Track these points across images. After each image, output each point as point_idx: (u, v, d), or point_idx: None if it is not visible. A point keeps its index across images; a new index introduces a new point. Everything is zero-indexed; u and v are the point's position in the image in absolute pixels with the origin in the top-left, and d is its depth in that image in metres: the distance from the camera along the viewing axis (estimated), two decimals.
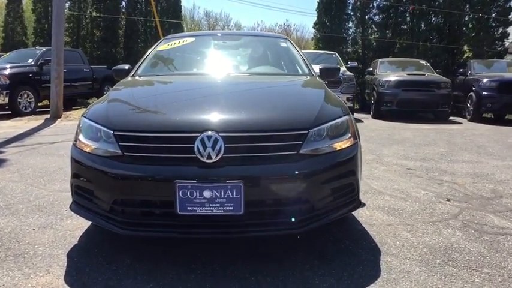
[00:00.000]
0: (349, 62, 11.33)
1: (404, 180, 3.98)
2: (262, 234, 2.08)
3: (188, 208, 2.00)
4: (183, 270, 2.13)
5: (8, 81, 8.98)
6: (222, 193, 1.98)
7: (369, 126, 8.30)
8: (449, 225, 2.78)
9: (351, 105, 9.03)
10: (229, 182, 1.97)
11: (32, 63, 9.88)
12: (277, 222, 2.08)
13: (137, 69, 3.39)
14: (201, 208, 2.00)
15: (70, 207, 2.34)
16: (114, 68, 3.58)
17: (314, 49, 14.32)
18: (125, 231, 2.06)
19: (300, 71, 3.42)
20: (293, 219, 2.08)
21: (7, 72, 9.12)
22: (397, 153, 5.39)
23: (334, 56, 10.48)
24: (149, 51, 3.69)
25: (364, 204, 2.62)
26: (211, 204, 1.99)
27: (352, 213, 2.91)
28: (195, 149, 2.01)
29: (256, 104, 2.44)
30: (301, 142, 2.10)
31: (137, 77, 3.23)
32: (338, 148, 2.22)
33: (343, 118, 2.35)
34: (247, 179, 1.99)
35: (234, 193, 1.97)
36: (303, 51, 4.66)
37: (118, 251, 2.34)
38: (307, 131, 2.13)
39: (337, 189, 2.23)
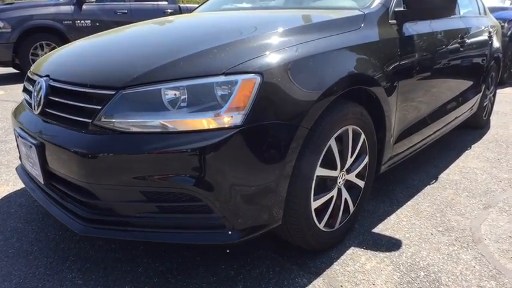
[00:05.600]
0: None
1: None
2: (58, 219, 1.55)
3: (22, 159, 1.76)
4: None
5: None
6: (30, 153, 1.60)
7: None
8: None
9: None
10: (30, 141, 1.55)
11: None
12: (69, 211, 1.50)
13: (205, 2, 3.03)
14: (26, 162, 1.71)
15: None
16: None
17: None
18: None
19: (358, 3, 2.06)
20: (78, 214, 1.47)
21: None
22: None
23: None
24: None
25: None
26: (28, 162, 1.66)
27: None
28: (31, 95, 1.69)
29: (136, 51, 1.64)
30: (99, 107, 1.36)
31: (190, 14, 2.89)
32: (183, 129, 1.28)
33: (224, 78, 1.31)
34: (42, 143, 1.51)
35: (34, 156, 1.55)
36: None
37: None
38: (113, 92, 1.35)
39: (158, 197, 1.35)
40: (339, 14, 1.85)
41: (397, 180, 2.51)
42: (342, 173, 1.72)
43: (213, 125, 1.28)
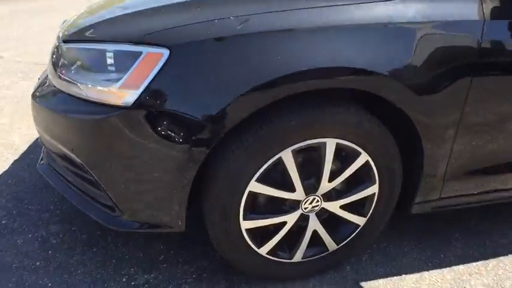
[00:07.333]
0: None
1: None
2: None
3: None
4: None
5: None
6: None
7: None
8: None
9: None
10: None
11: None
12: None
13: None
14: None
15: None
16: None
17: None
18: None
19: None
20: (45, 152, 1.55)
21: None
22: None
23: None
24: None
25: None
26: None
27: None
28: None
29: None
30: (55, 60, 1.35)
31: None
32: (82, 94, 1.15)
33: (128, 47, 1.09)
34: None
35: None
36: None
37: None
38: (57, 44, 1.34)
39: (74, 168, 1.29)
40: None
41: (459, 221, 1.75)
42: (312, 198, 1.28)
43: (104, 98, 1.10)
